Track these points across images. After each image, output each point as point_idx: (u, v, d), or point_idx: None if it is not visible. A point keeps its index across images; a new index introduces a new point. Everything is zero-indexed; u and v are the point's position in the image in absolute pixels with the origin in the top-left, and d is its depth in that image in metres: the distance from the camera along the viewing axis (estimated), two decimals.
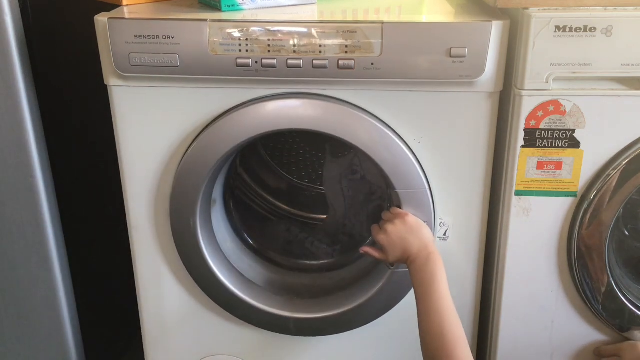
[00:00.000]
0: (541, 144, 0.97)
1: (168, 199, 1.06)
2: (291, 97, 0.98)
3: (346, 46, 0.93)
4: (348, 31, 0.92)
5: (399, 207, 1.02)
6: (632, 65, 0.91)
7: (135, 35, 0.94)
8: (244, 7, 1.02)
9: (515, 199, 1.01)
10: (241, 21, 0.95)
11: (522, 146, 0.97)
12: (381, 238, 1.00)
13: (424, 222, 1.01)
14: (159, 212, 1.09)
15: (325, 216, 1.34)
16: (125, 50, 0.95)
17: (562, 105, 0.94)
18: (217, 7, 1.02)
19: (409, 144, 1.00)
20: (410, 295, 1.09)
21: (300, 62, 0.94)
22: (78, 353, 1.24)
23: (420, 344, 0.88)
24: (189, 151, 1.01)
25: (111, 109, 1.02)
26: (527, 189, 1.00)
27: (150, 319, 1.18)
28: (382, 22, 0.91)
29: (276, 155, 1.37)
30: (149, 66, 0.95)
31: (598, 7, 0.89)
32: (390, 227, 0.98)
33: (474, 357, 1.18)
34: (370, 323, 1.13)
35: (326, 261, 1.28)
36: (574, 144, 0.96)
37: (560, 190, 0.99)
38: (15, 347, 1.22)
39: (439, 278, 0.90)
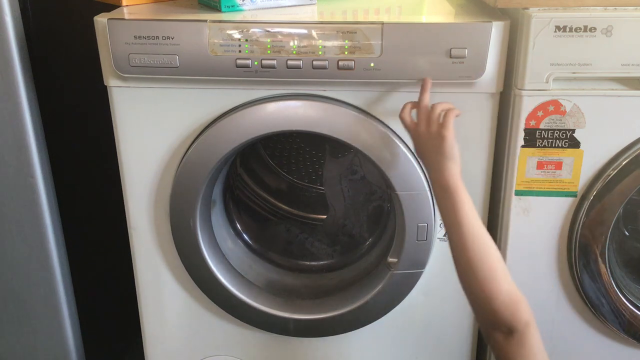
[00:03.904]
0: (541, 144, 0.97)
1: (168, 199, 1.06)
2: (291, 98, 0.98)
3: (346, 47, 0.92)
4: (348, 32, 0.92)
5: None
6: (632, 65, 0.91)
7: (134, 36, 0.94)
8: (243, 7, 1.02)
9: (515, 199, 1.00)
10: (241, 22, 0.95)
11: (522, 146, 0.97)
12: (411, 126, 0.90)
13: (424, 224, 1.01)
14: (158, 212, 1.09)
15: (325, 216, 1.34)
16: (124, 51, 0.94)
17: (562, 105, 0.94)
18: (216, 8, 1.01)
19: (409, 145, 1.00)
20: (410, 297, 1.09)
21: (300, 62, 0.93)
22: (78, 353, 1.24)
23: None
24: (188, 152, 1.01)
25: (111, 110, 1.02)
26: (527, 189, 1.00)
27: (150, 319, 1.18)
28: (382, 23, 0.91)
29: (276, 155, 1.37)
30: (148, 67, 0.95)
31: (598, 7, 0.89)
32: (424, 127, 0.88)
33: (473, 358, 1.18)
34: (370, 324, 1.13)
35: (326, 262, 1.28)
36: (574, 144, 0.96)
37: (560, 190, 0.99)
38: (15, 347, 1.22)
39: (460, 209, 0.82)
